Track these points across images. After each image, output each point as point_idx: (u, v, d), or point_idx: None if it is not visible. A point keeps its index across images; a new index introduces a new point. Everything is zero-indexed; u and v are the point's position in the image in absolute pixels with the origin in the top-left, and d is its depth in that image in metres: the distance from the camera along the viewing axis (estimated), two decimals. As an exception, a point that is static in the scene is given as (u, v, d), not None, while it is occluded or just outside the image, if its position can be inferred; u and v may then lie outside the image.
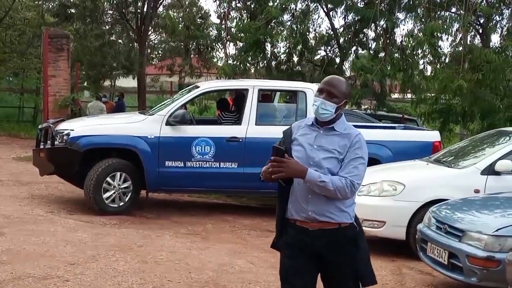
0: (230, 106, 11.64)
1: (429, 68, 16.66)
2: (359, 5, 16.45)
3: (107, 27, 25.87)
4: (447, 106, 14.93)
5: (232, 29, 16.75)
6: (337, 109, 4.08)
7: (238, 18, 17.37)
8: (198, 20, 22.87)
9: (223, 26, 17.11)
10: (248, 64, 16.47)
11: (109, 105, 21.85)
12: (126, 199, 10.07)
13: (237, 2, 17.04)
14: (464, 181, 8.28)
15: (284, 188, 4.13)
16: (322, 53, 17.81)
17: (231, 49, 17.20)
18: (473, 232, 6.25)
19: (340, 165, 4.00)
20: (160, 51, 41.97)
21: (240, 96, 11.28)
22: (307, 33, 16.64)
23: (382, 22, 15.74)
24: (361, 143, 4.07)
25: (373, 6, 14.69)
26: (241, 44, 16.57)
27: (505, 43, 15.47)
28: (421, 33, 15.00)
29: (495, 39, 18.67)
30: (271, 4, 15.81)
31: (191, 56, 23.24)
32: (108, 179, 9.90)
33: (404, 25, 16.89)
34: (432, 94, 15.86)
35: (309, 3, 16.32)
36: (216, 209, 11.27)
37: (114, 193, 9.97)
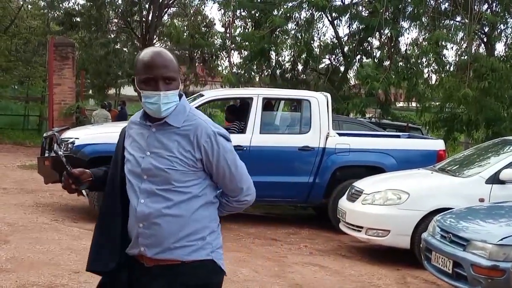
0: (238, 113, 11.55)
1: (433, 76, 16.69)
2: (363, 13, 16.50)
3: (112, 35, 25.97)
4: (452, 114, 14.94)
5: (237, 38, 16.79)
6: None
7: (242, 27, 17.44)
8: (203, 28, 22.98)
9: (228, 34, 17.17)
10: (252, 73, 16.52)
11: (113, 114, 21.88)
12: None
13: (241, 11, 17.09)
14: (469, 190, 8.26)
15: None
16: (327, 61, 17.90)
17: (236, 57, 17.26)
18: (478, 241, 6.23)
19: (191, 171, 3.03)
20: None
21: (244, 104, 11.28)
22: (312, 42, 16.69)
23: (386, 31, 15.79)
24: (217, 138, 3.05)
25: (378, 14, 14.72)
26: (245, 53, 16.62)
27: (510, 51, 15.49)
28: (425, 42, 15.03)
29: (499, 48, 18.70)
30: (275, 13, 15.86)
31: (196, 64, 23.33)
32: (113, 187, 9.88)
33: (408, 33, 17.03)
34: (437, 103, 15.87)
35: (314, 12, 16.36)
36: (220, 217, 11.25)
37: (119, 201, 9.95)
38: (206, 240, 3.10)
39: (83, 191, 3.25)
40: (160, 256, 3.04)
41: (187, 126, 3.04)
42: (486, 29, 16.89)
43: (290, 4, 16.05)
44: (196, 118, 3.07)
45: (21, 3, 29.60)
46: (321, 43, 17.32)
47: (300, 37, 16.32)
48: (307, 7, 16.08)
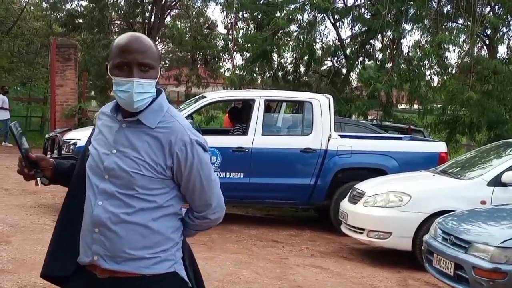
0: (241, 116, 11.57)
1: (435, 79, 16.69)
2: (366, 16, 16.49)
3: (114, 37, 25.93)
4: (454, 117, 14.94)
5: (239, 40, 16.80)
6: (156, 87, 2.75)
7: (245, 29, 17.43)
8: (205, 30, 23.01)
9: (230, 36, 17.17)
10: (254, 75, 16.52)
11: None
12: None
13: (244, 12, 17.09)
14: (471, 192, 8.26)
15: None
16: (329, 63, 17.90)
17: (238, 59, 17.27)
18: (479, 243, 6.23)
19: (159, 179, 2.69)
20: (167, 61, 42.09)
21: (244, 106, 11.29)
22: (314, 44, 16.69)
23: (389, 33, 15.79)
24: (193, 147, 2.71)
25: (380, 17, 14.73)
26: (248, 55, 16.62)
27: (513, 54, 15.50)
28: (428, 44, 15.03)
29: (502, 50, 18.71)
30: (278, 14, 15.87)
31: (198, 66, 23.32)
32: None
33: (411, 36, 17.01)
34: (439, 105, 15.87)
35: (316, 14, 16.36)
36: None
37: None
38: (169, 252, 2.78)
39: (39, 180, 2.83)
40: (117, 267, 2.69)
41: (161, 128, 2.68)
42: (489, 32, 16.87)
43: (292, 6, 16.07)
44: (173, 120, 2.71)
45: (24, 4, 29.66)
46: (323, 45, 17.33)
47: (302, 39, 16.33)
48: (309, 9, 16.09)
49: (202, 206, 2.86)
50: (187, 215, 2.91)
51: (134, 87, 2.60)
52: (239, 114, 11.48)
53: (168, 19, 27.10)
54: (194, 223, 2.92)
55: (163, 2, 24.56)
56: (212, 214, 2.91)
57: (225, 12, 18.08)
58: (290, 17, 15.99)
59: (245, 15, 17.47)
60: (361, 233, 8.57)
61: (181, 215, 2.87)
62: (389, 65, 15.79)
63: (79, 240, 2.78)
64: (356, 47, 16.76)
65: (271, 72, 17.08)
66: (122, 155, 2.67)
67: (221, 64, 19.88)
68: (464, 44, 15.81)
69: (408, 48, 16.55)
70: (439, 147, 10.78)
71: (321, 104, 10.40)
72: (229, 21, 18.00)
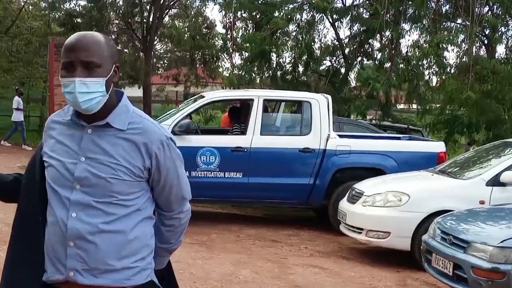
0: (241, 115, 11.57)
1: (434, 79, 16.70)
2: (364, 16, 16.50)
3: (113, 36, 25.96)
4: (453, 117, 14.95)
5: (238, 39, 16.79)
6: (108, 85, 2.56)
7: (243, 28, 17.42)
8: (204, 30, 23.00)
9: (229, 36, 17.16)
10: (253, 74, 16.52)
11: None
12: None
13: (242, 12, 17.09)
14: (469, 192, 8.26)
15: None
16: (328, 63, 17.89)
17: (237, 59, 17.26)
18: (478, 243, 6.23)
19: (136, 182, 2.59)
20: (165, 61, 42.11)
21: (244, 106, 11.29)
22: (313, 44, 16.71)
23: (387, 33, 15.78)
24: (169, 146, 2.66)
25: (379, 16, 14.72)
26: (246, 54, 16.62)
27: (511, 54, 15.50)
28: (426, 44, 15.03)
29: (500, 50, 18.72)
30: (276, 14, 15.86)
31: (197, 65, 23.34)
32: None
33: (409, 35, 16.99)
34: (438, 105, 15.88)
35: (315, 14, 16.37)
36: (220, 219, 11.27)
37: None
38: (147, 261, 2.67)
39: None
40: (96, 282, 2.54)
41: (133, 129, 2.57)
42: (487, 32, 16.90)
43: (291, 6, 16.07)
44: (142, 119, 2.62)
45: (22, 4, 29.62)
46: (322, 45, 17.33)
47: (301, 39, 16.33)
48: (308, 9, 16.09)
49: (178, 202, 2.77)
50: (159, 221, 2.79)
51: (77, 87, 2.44)
52: (240, 114, 11.47)
53: (166, 18, 27.17)
54: (169, 228, 2.82)
55: (162, 1, 24.57)
56: (185, 208, 2.83)
57: (223, 12, 18.05)
58: (289, 16, 15.99)
59: (244, 15, 17.46)
60: (360, 232, 8.57)
61: (153, 218, 2.75)
62: (387, 65, 15.79)
63: (38, 254, 2.60)
64: (354, 47, 16.77)
65: (270, 71, 17.07)
66: (93, 162, 2.52)
67: (219, 63, 19.89)
68: (463, 44, 15.83)
69: (407, 48, 16.57)
70: (438, 147, 10.78)
71: (320, 104, 10.40)
72: (227, 21, 17.99)
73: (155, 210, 2.76)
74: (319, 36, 17.39)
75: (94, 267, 2.53)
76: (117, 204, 2.55)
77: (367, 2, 16.63)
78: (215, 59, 19.43)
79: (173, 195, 2.73)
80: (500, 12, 16.12)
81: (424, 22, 15.82)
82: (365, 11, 16.75)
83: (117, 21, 26.45)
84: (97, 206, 2.53)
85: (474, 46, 16.09)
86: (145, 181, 2.62)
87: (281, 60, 17.21)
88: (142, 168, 2.57)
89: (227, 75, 16.49)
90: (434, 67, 16.15)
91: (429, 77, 16.64)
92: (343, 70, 17.55)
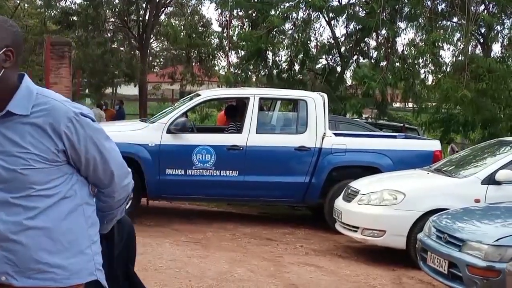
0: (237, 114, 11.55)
1: (430, 77, 16.73)
2: (360, 14, 16.50)
3: (109, 34, 25.97)
4: (449, 115, 14.97)
5: (234, 38, 16.79)
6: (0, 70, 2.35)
7: (239, 27, 17.42)
8: (200, 28, 22.98)
9: (225, 34, 17.15)
10: (249, 73, 16.52)
11: (110, 113, 21.87)
12: (127, 207, 10.01)
13: (238, 10, 17.08)
14: (465, 190, 8.27)
15: None
16: (324, 62, 17.88)
17: (233, 57, 17.27)
18: (473, 241, 6.24)
19: (54, 167, 2.40)
20: (161, 59, 42.09)
21: (240, 104, 11.29)
22: (309, 42, 16.70)
23: (383, 31, 15.80)
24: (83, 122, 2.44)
25: (375, 15, 14.73)
26: (242, 53, 16.62)
27: (507, 52, 15.52)
28: (422, 43, 15.05)
29: (496, 49, 18.75)
30: (272, 13, 15.86)
31: (193, 64, 23.32)
32: (109, 186, 9.85)
33: (405, 34, 17.00)
34: (434, 104, 15.90)
35: (311, 12, 16.36)
36: (216, 217, 11.27)
37: (115, 200, 9.92)
38: (86, 254, 2.46)
39: None
40: (31, 283, 2.38)
41: (38, 112, 2.36)
42: (483, 30, 16.91)
43: (287, 4, 16.07)
44: (49, 100, 2.40)
45: (18, 2, 29.56)
46: (318, 43, 17.32)
47: (297, 37, 16.33)
48: (304, 8, 16.09)
49: (108, 179, 2.56)
50: (98, 200, 2.64)
51: None
52: (236, 112, 11.47)
53: (162, 17, 27.11)
54: (106, 204, 2.66)
55: (158, 0, 24.54)
56: (122, 182, 2.63)
57: (219, 10, 18.05)
58: (285, 15, 15.98)
59: (240, 13, 17.45)
60: (356, 231, 8.58)
61: (93, 206, 2.58)
62: (383, 63, 15.81)
63: None
64: (350, 45, 16.78)
65: (266, 70, 17.06)
66: (3, 155, 2.34)
67: (215, 62, 19.89)
68: (459, 42, 15.83)
69: (403, 47, 16.56)
70: (434, 145, 10.80)
71: (316, 102, 10.40)
72: (223, 19, 17.98)
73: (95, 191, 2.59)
74: (315, 34, 17.38)
75: (26, 267, 2.37)
76: (37, 196, 2.37)
77: (363, 0, 16.63)
78: (211, 57, 19.44)
79: (101, 172, 2.53)
80: (496, 11, 16.13)
81: (420, 21, 15.84)
82: (361, 9, 16.76)
83: (113, 19, 26.40)
84: (15, 202, 2.35)
85: (469, 45, 16.12)
86: (65, 164, 2.43)
87: (277, 58, 17.22)
88: (56, 151, 2.38)
89: (223, 73, 16.47)
90: (430, 65, 16.19)
91: (425, 75, 16.69)
92: (339, 69, 17.55)
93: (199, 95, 11.06)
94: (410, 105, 18.44)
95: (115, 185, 2.61)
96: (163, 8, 26.17)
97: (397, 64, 15.98)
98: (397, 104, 20.94)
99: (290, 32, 16.79)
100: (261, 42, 15.35)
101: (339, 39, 17.33)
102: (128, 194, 2.71)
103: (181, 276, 7.13)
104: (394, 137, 11.68)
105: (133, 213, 10.17)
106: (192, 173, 9.97)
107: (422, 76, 16.55)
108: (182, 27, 21.85)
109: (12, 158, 2.33)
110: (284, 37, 16.89)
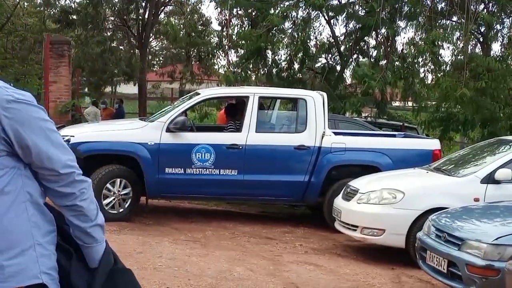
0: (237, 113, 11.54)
1: (429, 76, 16.73)
2: (360, 13, 16.50)
3: (108, 33, 25.92)
4: (448, 114, 14.97)
5: (233, 37, 16.78)
6: None
7: (239, 26, 17.41)
8: (199, 27, 22.93)
9: (224, 33, 17.14)
10: (249, 72, 16.51)
11: (109, 111, 21.85)
12: (126, 206, 10.05)
13: (238, 9, 17.07)
14: (464, 189, 8.27)
15: None
16: (323, 60, 17.87)
17: (232, 56, 17.26)
18: (473, 240, 6.24)
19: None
20: (161, 58, 42.09)
21: (240, 103, 11.28)
22: (308, 41, 16.69)
23: (383, 30, 15.79)
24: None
25: (374, 14, 14.73)
26: (242, 52, 16.61)
27: (506, 51, 15.52)
28: (422, 42, 15.05)
29: (495, 48, 18.75)
30: (272, 12, 15.86)
31: (192, 63, 23.28)
32: (108, 185, 9.87)
33: (405, 33, 16.98)
34: (433, 103, 15.90)
35: (310, 11, 16.36)
36: (216, 216, 11.27)
37: (114, 199, 9.94)
38: (28, 256, 2.22)
39: None
40: None
41: None
42: (483, 29, 16.91)
43: (287, 3, 16.07)
44: None
45: (17, 0, 29.56)
46: (318, 42, 17.31)
47: (296, 36, 16.33)
48: (304, 6, 16.09)
49: (55, 169, 2.32)
50: (54, 201, 2.39)
51: None
52: (236, 111, 11.46)
53: (162, 15, 27.09)
54: (67, 207, 2.37)
55: (157, -2, 24.54)
56: (67, 168, 2.35)
57: (219, 9, 18.02)
58: (285, 14, 15.97)
59: (239, 12, 17.44)
60: (355, 230, 8.58)
61: (39, 205, 2.33)
62: (383, 62, 15.81)
63: None
64: (350, 44, 16.77)
65: (265, 69, 17.05)
66: None
67: (215, 61, 19.86)
68: (458, 41, 15.83)
69: (402, 46, 16.57)
70: (433, 144, 10.80)
71: (315, 101, 10.40)
72: (223, 18, 17.95)
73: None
74: (314, 33, 17.38)
75: None
76: None
77: (363, -1, 16.64)
78: (210, 56, 19.40)
79: (46, 161, 2.30)
80: (495, 10, 16.13)
81: (419, 20, 15.84)
82: (360, 8, 16.76)
83: (112, 18, 26.39)
84: None
85: (469, 44, 16.11)
86: (4, 156, 2.23)
87: (276, 57, 17.20)
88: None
89: (223, 72, 16.46)
90: (429, 64, 16.19)
91: (425, 74, 16.70)
92: (338, 68, 17.55)
93: (199, 94, 11.06)
94: (410, 104, 18.44)
95: (57, 163, 2.33)
96: (163, 7, 26.16)
97: (397, 63, 15.98)
98: (397, 103, 20.92)
99: (289, 31, 16.79)
100: (260, 41, 15.34)
101: (338, 38, 17.33)
102: (73, 172, 2.37)
103: (181, 275, 7.12)
104: (394, 136, 11.68)
105: (132, 212, 10.20)
106: (192, 172, 9.97)
107: (422, 75, 16.58)
108: (181, 26, 21.78)
109: None
110: (283, 36, 16.87)
